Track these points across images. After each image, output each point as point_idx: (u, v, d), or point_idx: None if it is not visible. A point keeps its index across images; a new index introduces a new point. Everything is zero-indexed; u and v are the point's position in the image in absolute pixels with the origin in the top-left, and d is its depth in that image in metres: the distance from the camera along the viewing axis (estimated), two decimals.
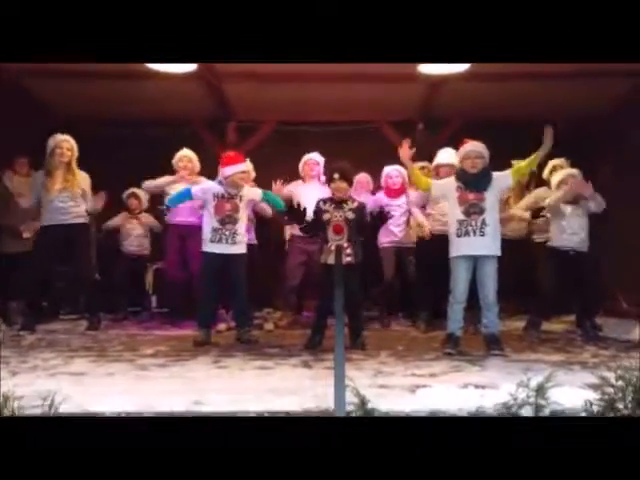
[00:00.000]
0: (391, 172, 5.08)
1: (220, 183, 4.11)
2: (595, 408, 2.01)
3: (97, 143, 5.52)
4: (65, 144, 4.58)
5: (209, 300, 4.08)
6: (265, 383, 2.66)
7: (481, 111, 5.97)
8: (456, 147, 4.07)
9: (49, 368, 3.02)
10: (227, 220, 3.99)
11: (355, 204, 3.79)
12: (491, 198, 3.60)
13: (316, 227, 3.82)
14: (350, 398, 1.98)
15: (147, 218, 5.78)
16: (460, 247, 3.58)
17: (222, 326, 4.70)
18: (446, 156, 4.61)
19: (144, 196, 5.70)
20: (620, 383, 2.03)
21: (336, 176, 3.74)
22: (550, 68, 5.00)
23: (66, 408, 2.05)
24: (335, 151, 5.24)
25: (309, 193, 4.94)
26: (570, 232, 4.30)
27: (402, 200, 5.03)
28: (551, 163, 4.78)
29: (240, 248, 4.05)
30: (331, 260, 3.63)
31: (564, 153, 4.78)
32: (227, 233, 3.98)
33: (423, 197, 4.80)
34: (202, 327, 4.00)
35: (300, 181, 5.11)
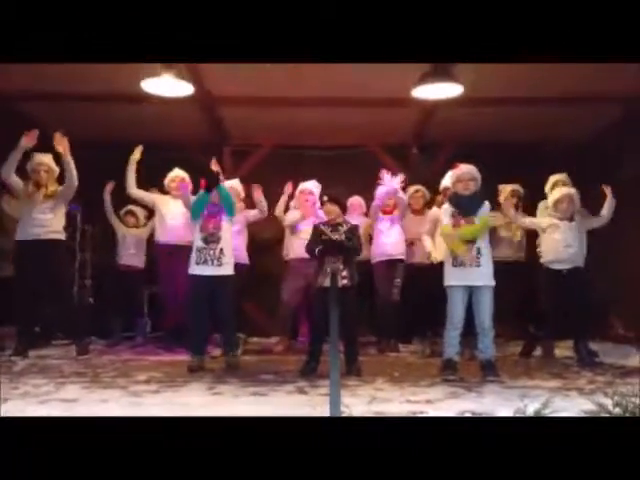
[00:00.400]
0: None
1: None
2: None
3: (91, 166, 5.53)
4: (42, 167, 4.53)
5: (199, 325, 4.00)
6: (260, 410, 2.62)
7: (474, 136, 6.04)
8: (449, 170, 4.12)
9: (40, 395, 2.97)
10: (210, 239, 3.93)
11: (348, 226, 3.86)
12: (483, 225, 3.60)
13: (315, 247, 3.83)
14: None
15: (142, 233, 5.72)
16: (456, 277, 3.57)
17: (217, 352, 4.63)
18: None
19: (142, 213, 5.71)
20: (617, 410, 2.02)
21: (325, 199, 3.89)
22: (541, 93, 5.09)
23: None
24: (330, 175, 5.30)
25: (305, 223, 4.96)
26: (564, 245, 4.34)
27: (392, 218, 5.16)
28: (552, 178, 4.80)
29: (226, 269, 3.97)
30: (327, 283, 3.63)
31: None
32: (212, 253, 3.92)
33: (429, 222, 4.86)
34: (195, 353, 3.95)
35: (297, 211, 5.12)
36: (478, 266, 3.52)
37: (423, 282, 4.97)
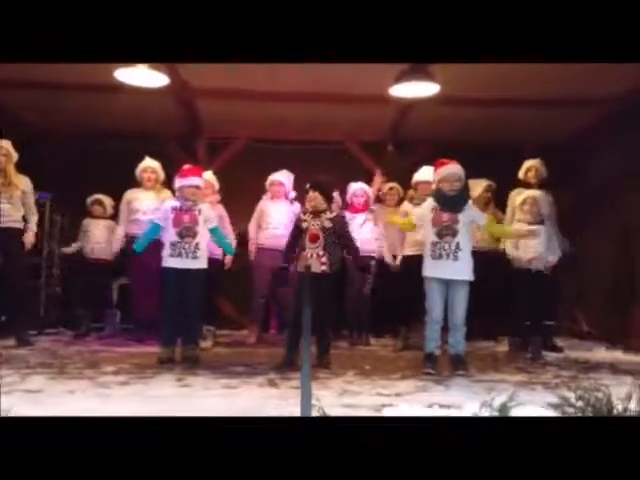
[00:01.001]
0: (357, 191, 5.31)
1: (177, 197, 4.04)
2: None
3: (65, 155, 5.44)
4: (0, 151, 4.46)
5: (170, 317, 3.94)
6: (230, 402, 2.62)
7: (450, 135, 6.11)
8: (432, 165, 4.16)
9: (4, 385, 2.91)
10: (185, 233, 3.84)
11: (333, 214, 3.86)
12: (464, 220, 3.62)
13: (297, 241, 3.88)
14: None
15: (110, 224, 5.58)
16: (434, 269, 3.59)
17: (207, 343, 4.67)
18: (425, 173, 4.63)
19: (109, 203, 5.60)
20: (580, 403, 2.08)
21: (307, 186, 3.87)
22: (518, 95, 5.17)
23: None
24: (305, 170, 5.30)
25: (277, 210, 5.07)
26: (533, 251, 4.41)
27: (363, 216, 5.23)
28: (526, 164, 4.91)
29: (200, 263, 3.91)
30: (312, 267, 3.62)
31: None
32: (187, 247, 3.84)
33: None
34: (165, 345, 3.92)
35: (269, 196, 5.24)
36: (456, 260, 3.53)
37: (395, 276, 5.07)
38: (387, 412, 2.35)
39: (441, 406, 2.39)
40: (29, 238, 4.61)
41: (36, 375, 3.24)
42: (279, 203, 5.18)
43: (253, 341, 5.07)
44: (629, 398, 2.08)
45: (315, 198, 3.81)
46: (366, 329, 5.20)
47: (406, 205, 4.92)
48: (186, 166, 4.26)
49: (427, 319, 3.61)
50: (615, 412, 2.05)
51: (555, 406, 2.11)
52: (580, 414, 2.07)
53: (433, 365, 3.54)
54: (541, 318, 4.51)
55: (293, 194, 5.25)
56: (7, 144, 4.52)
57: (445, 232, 3.57)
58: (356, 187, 5.32)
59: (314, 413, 1.98)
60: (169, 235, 3.91)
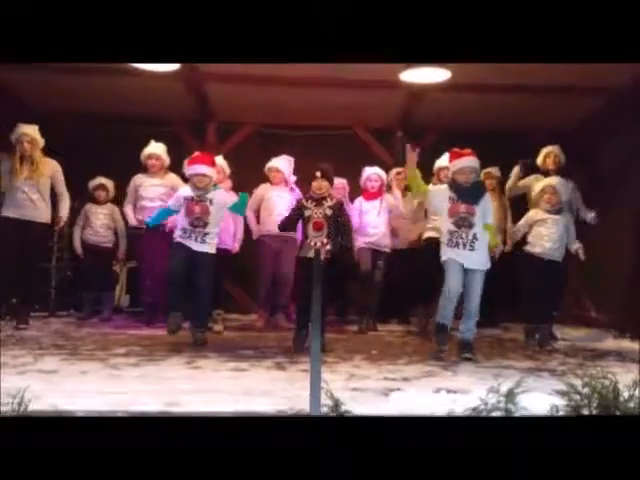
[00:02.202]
0: (371, 175, 5.17)
1: (189, 185, 4.06)
2: (562, 414, 2.07)
3: (74, 139, 5.46)
4: (25, 137, 4.46)
5: (176, 288, 3.95)
6: (239, 384, 2.65)
7: (460, 121, 6.06)
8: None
9: (18, 366, 2.97)
10: (197, 223, 3.90)
11: (333, 201, 3.89)
12: (481, 212, 3.63)
13: (293, 224, 4.00)
14: (324, 400, 2.00)
15: (112, 210, 5.56)
16: (451, 254, 3.63)
17: (219, 327, 4.72)
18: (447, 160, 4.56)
19: (112, 186, 5.56)
20: (586, 390, 2.09)
21: (318, 174, 3.85)
22: (529, 82, 5.12)
23: (36, 406, 2.02)
24: (313, 155, 5.29)
25: (279, 197, 5.06)
26: (548, 240, 4.35)
27: (378, 202, 5.11)
28: (544, 150, 4.82)
29: (209, 248, 3.96)
30: (311, 254, 3.62)
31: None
32: (197, 234, 3.92)
33: (404, 206, 5.02)
34: (172, 315, 3.93)
35: (268, 184, 5.18)
36: (472, 250, 3.57)
37: (407, 265, 5.09)
38: (395, 396, 2.37)
39: (448, 391, 2.41)
40: (59, 224, 4.70)
41: (49, 356, 3.30)
42: (280, 190, 5.11)
43: (261, 325, 5.09)
44: (635, 385, 2.10)
45: (324, 186, 3.86)
46: (373, 315, 5.15)
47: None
48: (196, 153, 4.25)
49: (442, 297, 3.63)
50: (621, 399, 2.06)
51: (562, 393, 2.13)
52: (586, 401, 2.09)
53: (444, 340, 3.62)
54: (553, 307, 4.47)
55: (293, 178, 5.16)
56: (32, 130, 4.50)
57: (462, 223, 3.59)
58: (370, 171, 5.20)
59: (322, 396, 2.01)
60: (182, 221, 3.99)
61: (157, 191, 5.00)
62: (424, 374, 3.04)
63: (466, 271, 3.60)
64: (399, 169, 5.33)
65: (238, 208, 4.15)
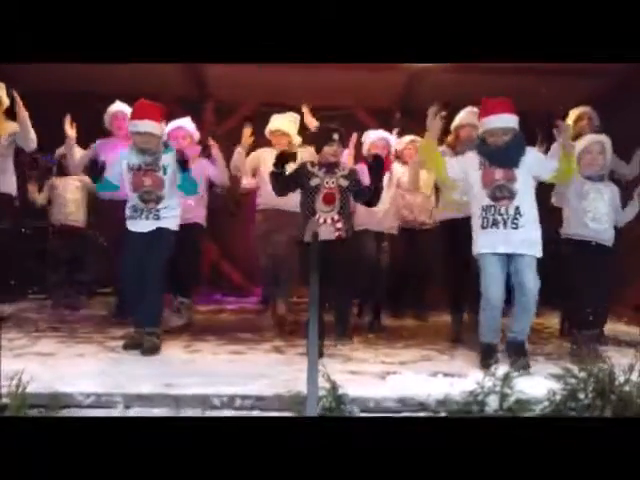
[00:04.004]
0: (377, 141, 4.11)
1: (130, 146, 3.15)
2: (557, 397, 2.08)
3: (65, 115, 5.36)
4: None
5: (131, 291, 3.11)
6: (237, 367, 2.67)
7: (460, 103, 6.00)
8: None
9: (16, 348, 2.97)
10: (147, 197, 3.07)
11: (347, 170, 3.31)
12: (525, 178, 2.85)
13: (289, 186, 3.30)
14: (321, 383, 2.01)
15: (83, 183, 4.81)
16: (487, 242, 2.84)
17: (179, 321, 3.96)
18: (468, 116, 3.81)
19: (79, 153, 4.63)
20: (582, 374, 2.10)
21: (335, 137, 3.25)
22: (530, 63, 5.06)
23: (34, 388, 2.03)
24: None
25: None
26: (591, 218, 3.29)
27: (386, 175, 3.78)
28: (576, 111, 4.06)
29: (166, 223, 3.11)
30: (322, 234, 3.04)
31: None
32: (148, 211, 3.09)
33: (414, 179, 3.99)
34: (137, 326, 3.08)
35: (268, 148, 4.33)
36: (516, 228, 2.79)
37: (417, 247, 4.42)
38: (391, 380, 2.39)
39: (445, 375, 2.43)
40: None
41: (46, 338, 3.31)
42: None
43: (265, 322, 4.21)
44: (631, 369, 2.11)
45: (340, 152, 3.29)
46: (379, 310, 4.21)
47: (444, 150, 3.67)
48: (139, 102, 3.18)
49: (482, 303, 2.86)
50: (617, 383, 2.08)
51: (558, 377, 2.14)
52: (582, 385, 2.11)
53: (493, 360, 2.74)
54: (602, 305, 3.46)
55: (298, 140, 4.33)
56: None
57: (500, 194, 2.82)
58: (375, 136, 4.15)
59: (320, 379, 2.01)
60: (129, 198, 3.16)
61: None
62: (421, 358, 3.05)
63: (511, 257, 2.82)
64: (413, 137, 4.50)
65: (188, 186, 3.19)
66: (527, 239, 2.82)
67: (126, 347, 3.02)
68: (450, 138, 3.88)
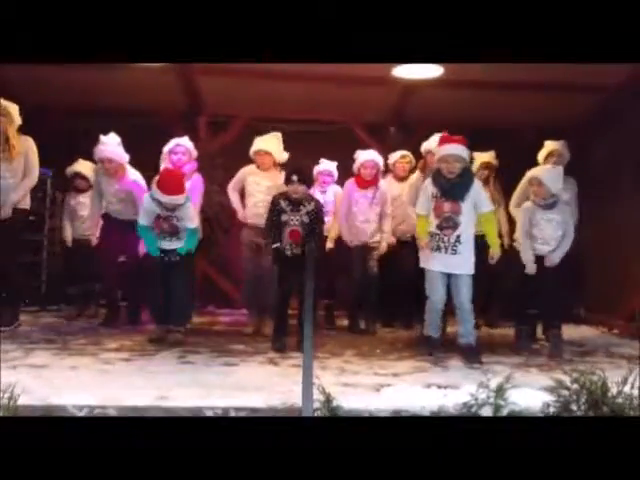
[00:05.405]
0: (367, 162, 4.51)
1: (153, 198, 3.70)
2: (551, 409, 2.09)
3: (66, 131, 5.39)
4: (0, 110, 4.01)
5: (156, 297, 3.85)
6: (231, 380, 2.66)
7: (453, 118, 6.07)
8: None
9: (9, 360, 2.95)
10: (167, 236, 3.78)
11: (312, 205, 3.66)
12: (468, 209, 3.30)
13: (275, 226, 3.70)
14: (316, 395, 2.01)
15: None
16: (431, 261, 3.37)
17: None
18: (433, 143, 4.04)
19: (90, 172, 5.00)
20: (575, 386, 2.12)
21: (294, 178, 3.59)
22: (522, 78, 5.13)
23: (26, 400, 2.02)
24: (307, 149, 5.27)
25: (261, 184, 4.39)
26: (540, 242, 3.71)
27: (371, 192, 4.51)
28: (547, 147, 4.29)
29: (181, 244, 3.80)
30: (287, 252, 3.60)
31: (532, 163, 4.82)
32: (166, 238, 3.79)
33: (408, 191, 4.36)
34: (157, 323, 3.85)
35: (254, 166, 4.48)
36: (454, 254, 3.29)
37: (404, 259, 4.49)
38: (386, 392, 2.39)
39: (439, 387, 2.43)
40: (15, 197, 4.06)
41: (40, 350, 3.29)
42: (266, 175, 4.39)
43: (251, 331, 4.35)
44: (624, 382, 2.12)
45: (301, 190, 3.62)
46: (372, 316, 4.57)
47: (417, 175, 4.31)
48: (164, 171, 3.87)
49: (427, 306, 3.47)
50: (610, 395, 2.09)
51: (551, 389, 2.15)
52: (575, 397, 2.12)
53: (431, 349, 3.42)
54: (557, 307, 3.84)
55: (285, 156, 4.50)
56: (11, 106, 4.10)
57: (445, 224, 3.29)
58: (365, 157, 4.54)
59: (314, 391, 2.02)
60: (153, 231, 3.80)
61: (115, 194, 4.55)
62: (415, 369, 3.06)
63: (450, 276, 3.35)
64: (404, 152, 4.90)
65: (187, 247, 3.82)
66: (462, 262, 3.32)
67: (152, 341, 3.67)
68: (420, 163, 4.40)
